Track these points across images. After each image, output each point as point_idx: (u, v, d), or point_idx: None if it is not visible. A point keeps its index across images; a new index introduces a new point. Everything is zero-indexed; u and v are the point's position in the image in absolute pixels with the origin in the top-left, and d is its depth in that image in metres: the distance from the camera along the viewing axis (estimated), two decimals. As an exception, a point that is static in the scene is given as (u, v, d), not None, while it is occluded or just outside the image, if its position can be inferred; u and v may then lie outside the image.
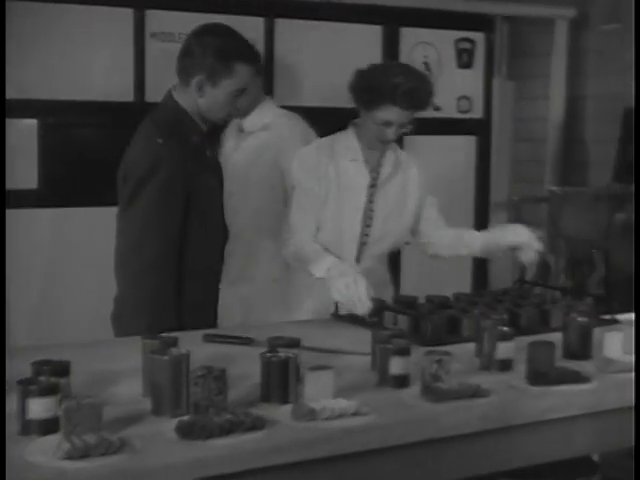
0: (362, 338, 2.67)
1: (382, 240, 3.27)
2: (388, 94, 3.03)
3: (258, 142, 3.61)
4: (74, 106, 4.32)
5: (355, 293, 2.84)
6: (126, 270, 2.99)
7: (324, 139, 3.29)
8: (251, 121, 3.65)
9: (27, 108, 4.27)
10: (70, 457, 1.72)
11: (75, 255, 4.33)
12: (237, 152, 3.62)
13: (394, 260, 5.24)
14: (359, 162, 3.21)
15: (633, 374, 2.35)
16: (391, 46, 5.13)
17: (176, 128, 3.01)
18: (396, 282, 5.09)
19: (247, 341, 2.64)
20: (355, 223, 3.20)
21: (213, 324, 3.14)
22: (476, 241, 3.39)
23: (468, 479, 2.23)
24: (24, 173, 4.30)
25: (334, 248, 3.13)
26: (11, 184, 4.25)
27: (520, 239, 3.27)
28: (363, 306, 2.84)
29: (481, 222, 5.53)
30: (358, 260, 3.21)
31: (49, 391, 1.85)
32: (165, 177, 2.92)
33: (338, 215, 3.18)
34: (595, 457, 2.91)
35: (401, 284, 5.03)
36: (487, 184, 5.58)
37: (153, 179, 2.91)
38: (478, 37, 5.38)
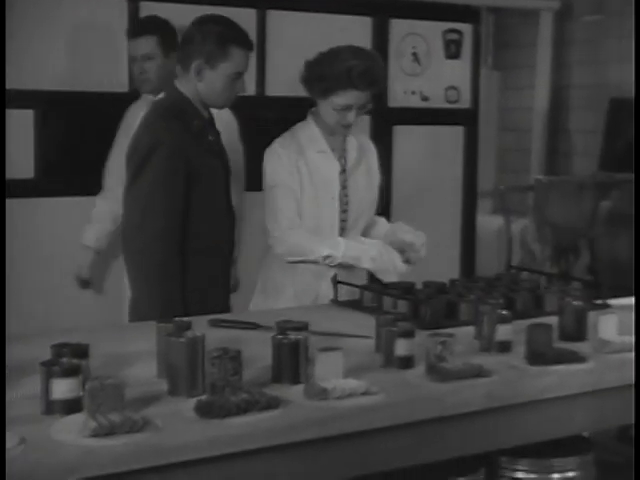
0: (362, 322, 2.76)
1: (357, 221, 3.34)
2: (344, 78, 3.08)
3: None
4: (70, 96, 4.37)
5: (389, 260, 3.01)
6: (131, 247, 3.09)
7: (286, 134, 3.30)
8: None
9: (24, 98, 4.32)
10: (96, 435, 1.78)
11: (71, 244, 4.38)
12: None
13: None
14: (327, 153, 3.26)
15: (633, 355, 2.43)
16: (381, 37, 5.20)
17: (177, 113, 3.10)
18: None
19: (253, 326, 2.70)
20: (333, 212, 3.27)
21: (224, 305, 3.21)
22: (382, 231, 3.43)
23: (469, 457, 2.31)
24: (21, 163, 4.36)
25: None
26: (8, 174, 4.30)
27: (407, 239, 3.30)
28: (398, 271, 3.01)
29: (469, 211, 5.63)
30: None
31: (71, 372, 1.92)
32: (166, 156, 3.01)
33: (315, 207, 3.24)
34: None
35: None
36: (474, 174, 5.66)
37: (154, 157, 3.01)
38: (465, 28, 5.46)
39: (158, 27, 4.04)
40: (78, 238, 4.29)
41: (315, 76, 3.15)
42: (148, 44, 3.98)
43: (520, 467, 2.45)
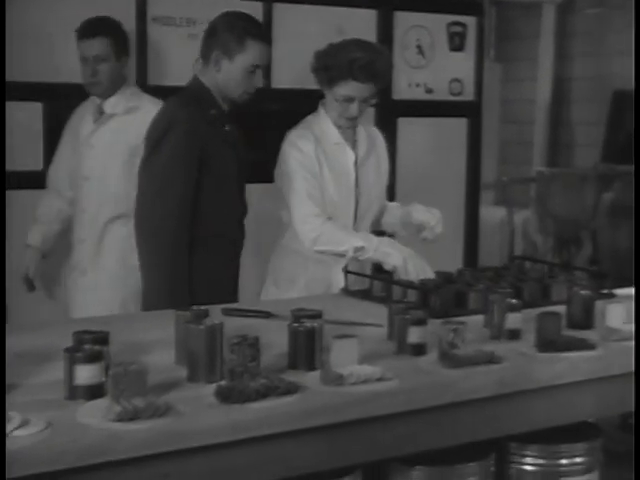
0: (371, 311, 2.81)
1: (368, 212, 3.41)
2: (346, 69, 3.15)
3: (121, 126, 3.79)
4: (78, 89, 4.39)
5: (419, 265, 3.10)
6: (143, 226, 3.18)
7: (300, 125, 3.36)
8: (114, 103, 3.84)
9: (32, 91, 4.35)
10: (120, 419, 1.82)
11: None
12: (96, 135, 3.82)
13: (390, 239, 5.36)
14: (342, 144, 3.33)
15: (633, 343, 2.48)
16: (385, 30, 5.23)
17: (195, 101, 3.23)
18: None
19: (265, 315, 2.75)
20: (349, 202, 3.34)
21: (232, 296, 3.26)
22: (397, 216, 3.49)
23: (480, 443, 2.35)
24: (29, 155, 4.38)
25: None
26: (17, 166, 4.34)
27: (423, 218, 3.37)
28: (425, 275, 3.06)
29: (472, 203, 5.67)
30: None
31: (94, 358, 1.96)
32: (182, 135, 3.13)
33: (334, 198, 3.30)
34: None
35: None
36: (478, 165, 5.70)
37: (168, 138, 3.13)
38: (469, 21, 5.49)
39: (110, 29, 3.97)
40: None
41: (321, 66, 3.23)
42: (101, 45, 3.91)
43: (529, 453, 2.48)
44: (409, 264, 3.13)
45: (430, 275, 3.09)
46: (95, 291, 3.87)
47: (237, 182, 3.31)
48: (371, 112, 5.22)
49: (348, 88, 3.18)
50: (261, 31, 3.30)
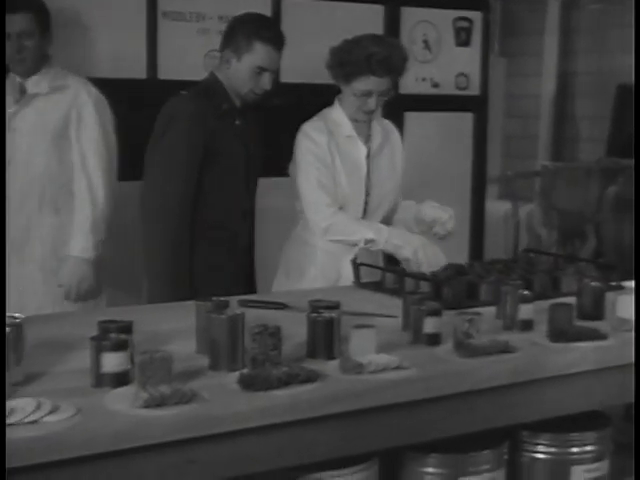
0: (384, 302, 2.86)
1: (380, 207, 3.45)
2: (364, 64, 3.19)
3: (46, 105, 3.67)
4: (91, 83, 4.43)
5: (432, 253, 3.16)
6: (145, 213, 3.26)
7: (315, 117, 3.41)
8: (37, 82, 3.70)
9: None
10: (147, 406, 1.86)
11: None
12: (19, 116, 3.67)
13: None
14: (354, 137, 3.38)
15: (633, 336, 2.52)
16: (392, 25, 5.27)
17: (208, 93, 3.33)
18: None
19: (281, 306, 2.79)
20: (360, 195, 3.38)
21: (236, 287, 3.29)
22: (411, 212, 3.52)
23: (493, 431, 2.40)
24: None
25: None
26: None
27: (435, 215, 3.43)
28: (438, 265, 3.10)
29: (478, 196, 5.71)
30: None
31: (120, 346, 2.00)
32: (183, 126, 3.23)
33: (345, 191, 3.34)
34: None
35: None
36: (484, 159, 5.75)
37: (173, 126, 3.23)
38: (475, 16, 5.54)
39: (33, 4, 3.76)
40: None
41: (337, 62, 3.27)
42: (24, 21, 3.69)
43: (541, 441, 2.53)
44: (420, 254, 3.18)
45: (443, 262, 3.14)
46: (23, 283, 3.69)
47: (244, 176, 3.38)
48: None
49: (367, 83, 3.24)
50: (272, 35, 3.37)
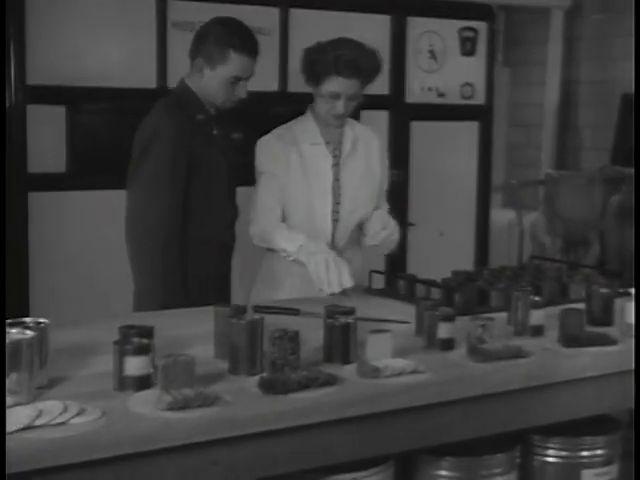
0: (395, 309, 2.91)
1: (353, 214, 3.36)
2: (331, 65, 3.14)
3: None
4: (101, 93, 4.49)
5: (335, 272, 3.01)
6: (134, 232, 3.19)
7: (284, 126, 3.36)
8: None
9: (56, 95, 4.45)
10: (171, 408, 1.90)
11: (102, 236, 4.50)
12: None
13: (402, 240, 5.46)
14: (320, 145, 3.31)
15: (633, 343, 2.56)
16: (398, 35, 5.34)
17: (182, 105, 3.23)
18: (403, 262, 5.32)
19: (295, 312, 2.83)
20: (326, 204, 3.31)
21: (225, 296, 3.30)
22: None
23: (506, 435, 2.44)
24: (53, 157, 4.48)
25: (308, 231, 3.22)
26: (41, 168, 4.45)
27: (373, 229, 3.32)
28: (343, 286, 3.00)
29: (483, 205, 5.77)
30: (333, 238, 3.32)
31: (143, 350, 2.05)
32: (166, 143, 3.13)
33: (308, 199, 3.28)
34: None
35: (408, 264, 5.25)
36: (489, 168, 5.80)
37: (155, 145, 3.14)
38: (480, 26, 5.60)
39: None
40: (107, 231, 4.41)
41: (308, 63, 3.23)
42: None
43: (552, 445, 2.57)
44: (321, 271, 3.05)
45: (348, 284, 3.02)
46: None
47: (227, 185, 3.32)
48: (384, 115, 5.34)
49: (333, 84, 3.17)
50: (247, 44, 3.22)
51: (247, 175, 3.31)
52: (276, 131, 3.35)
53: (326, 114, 3.25)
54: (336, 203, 3.33)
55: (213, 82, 3.20)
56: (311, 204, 3.29)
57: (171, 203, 3.15)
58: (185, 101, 3.24)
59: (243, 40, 3.21)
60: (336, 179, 3.33)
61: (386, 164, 3.52)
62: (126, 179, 4.15)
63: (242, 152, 3.42)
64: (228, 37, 3.18)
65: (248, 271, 3.57)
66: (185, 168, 3.15)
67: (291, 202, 3.28)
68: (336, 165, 3.33)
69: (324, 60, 3.15)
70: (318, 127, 3.31)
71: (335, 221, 3.34)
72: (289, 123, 3.37)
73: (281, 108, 4.82)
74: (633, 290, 3.16)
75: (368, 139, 3.43)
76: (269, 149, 3.29)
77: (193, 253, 3.21)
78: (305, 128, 3.31)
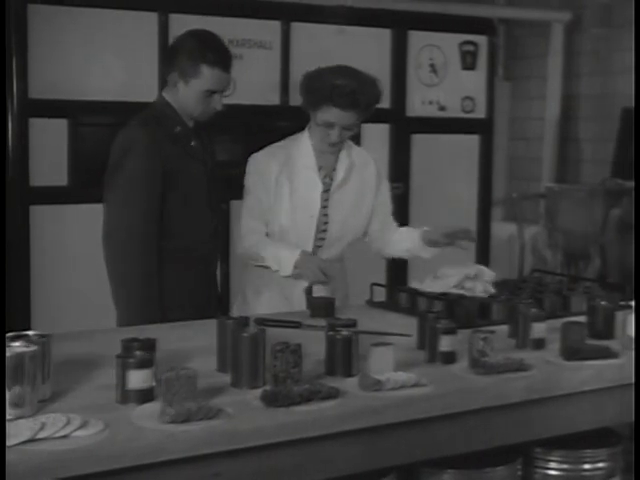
0: (396, 322, 2.91)
1: (339, 240, 3.33)
2: (327, 95, 3.08)
3: None
4: (102, 106, 4.51)
5: (310, 267, 3.07)
6: (110, 246, 3.17)
7: (281, 143, 3.32)
8: None
9: (58, 108, 4.47)
10: (174, 421, 1.91)
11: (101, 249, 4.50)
12: None
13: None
14: (312, 169, 3.26)
15: (634, 355, 2.56)
16: (399, 48, 5.36)
17: (159, 118, 3.22)
18: (404, 271, 5.33)
19: (297, 325, 2.84)
20: (310, 228, 3.26)
21: (206, 305, 3.28)
22: (414, 239, 3.38)
23: (507, 448, 2.44)
24: (55, 171, 4.49)
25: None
26: (42, 181, 4.46)
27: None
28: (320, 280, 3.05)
29: (484, 218, 5.78)
30: None
31: (145, 364, 2.05)
32: (139, 158, 3.12)
33: (292, 220, 3.24)
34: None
35: (409, 273, 5.25)
36: (489, 181, 5.81)
37: (128, 159, 3.13)
38: (481, 40, 5.62)
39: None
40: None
41: (305, 89, 3.19)
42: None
43: (553, 458, 2.57)
44: (310, 272, 3.09)
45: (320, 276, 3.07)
46: None
47: (207, 197, 3.30)
48: (386, 129, 5.35)
49: (328, 114, 3.12)
50: (219, 57, 3.19)
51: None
52: (271, 148, 3.30)
53: (320, 141, 3.21)
54: (322, 231, 3.29)
55: (188, 96, 3.19)
56: (295, 227, 3.25)
57: (147, 215, 3.13)
58: (162, 114, 3.23)
59: (215, 54, 3.19)
60: (324, 206, 3.28)
61: (387, 186, 3.46)
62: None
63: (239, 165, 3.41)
64: (200, 51, 3.16)
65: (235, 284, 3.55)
66: (160, 182, 3.13)
67: (274, 225, 3.25)
68: (326, 192, 3.28)
69: (321, 88, 3.11)
70: (314, 150, 3.26)
71: (318, 247, 3.29)
72: (287, 140, 3.33)
73: (282, 122, 4.84)
74: (634, 303, 3.19)
75: (364, 164, 3.37)
76: (259, 169, 3.25)
77: (171, 265, 3.19)
78: (301, 149, 3.26)
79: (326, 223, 3.29)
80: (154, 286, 3.15)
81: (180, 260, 3.22)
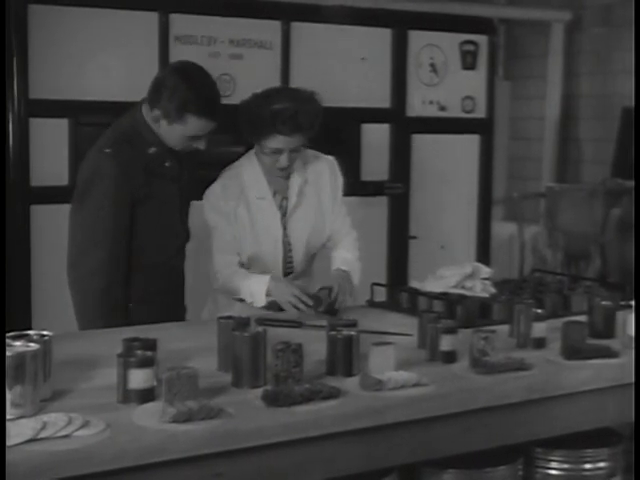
0: (397, 322, 2.91)
1: (306, 256, 3.31)
2: (269, 123, 2.99)
3: None
4: (103, 106, 4.50)
5: (282, 294, 3.03)
6: (75, 274, 3.07)
7: (232, 171, 3.21)
8: None
9: (58, 108, 4.47)
10: (175, 421, 1.91)
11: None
12: None
13: (404, 253, 5.48)
14: (266, 199, 3.21)
15: (633, 355, 2.56)
16: (399, 48, 5.36)
17: (133, 138, 3.06)
18: (405, 271, 5.33)
19: (297, 324, 2.84)
20: (277, 254, 3.23)
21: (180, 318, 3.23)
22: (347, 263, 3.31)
23: (508, 448, 2.44)
24: (55, 170, 4.49)
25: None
26: (43, 181, 4.46)
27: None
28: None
29: (484, 218, 5.78)
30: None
31: (146, 363, 2.05)
32: (107, 184, 2.98)
33: (258, 250, 3.21)
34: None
35: (410, 275, 5.26)
36: (490, 181, 5.81)
37: (96, 186, 3.00)
38: (481, 40, 5.62)
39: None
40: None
41: (245, 118, 3.09)
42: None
43: (554, 457, 2.57)
44: (292, 299, 3.03)
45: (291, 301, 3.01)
46: None
47: (179, 213, 3.23)
48: (386, 129, 5.36)
49: (275, 142, 3.04)
50: (207, 106, 2.99)
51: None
52: (223, 181, 3.20)
53: (270, 167, 3.14)
54: (288, 252, 3.25)
55: (170, 135, 3.03)
56: (262, 256, 3.21)
57: (116, 243, 3.02)
58: (137, 134, 3.06)
59: (202, 101, 2.99)
60: (284, 228, 3.24)
61: (340, 184, 3.35)
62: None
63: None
64: (186, 99, 2.96)
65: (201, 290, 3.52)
66: (128, 207, 3.03)
67: (243, 256, 3.20)
68: (284, 216, 3.24)
69: (262, 117, 3.01)
70: (265, 176, 3.19)
71: (288, 271, 3.26)
72: (236, 168, 3.22)
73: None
74: (634, 303, 3.19)
75: (318, 175, 3.29)
76: (216, 206, 3.17)
77: (142, 278, 3.11)
78: (252, 177, 3.19)
79: (290, 244, 3.25)
80: (121, 314, 3.04)
81: (150, 273, 3.14)
